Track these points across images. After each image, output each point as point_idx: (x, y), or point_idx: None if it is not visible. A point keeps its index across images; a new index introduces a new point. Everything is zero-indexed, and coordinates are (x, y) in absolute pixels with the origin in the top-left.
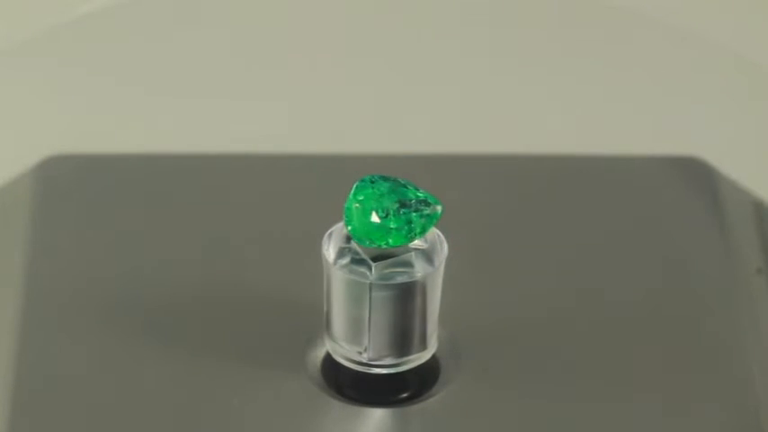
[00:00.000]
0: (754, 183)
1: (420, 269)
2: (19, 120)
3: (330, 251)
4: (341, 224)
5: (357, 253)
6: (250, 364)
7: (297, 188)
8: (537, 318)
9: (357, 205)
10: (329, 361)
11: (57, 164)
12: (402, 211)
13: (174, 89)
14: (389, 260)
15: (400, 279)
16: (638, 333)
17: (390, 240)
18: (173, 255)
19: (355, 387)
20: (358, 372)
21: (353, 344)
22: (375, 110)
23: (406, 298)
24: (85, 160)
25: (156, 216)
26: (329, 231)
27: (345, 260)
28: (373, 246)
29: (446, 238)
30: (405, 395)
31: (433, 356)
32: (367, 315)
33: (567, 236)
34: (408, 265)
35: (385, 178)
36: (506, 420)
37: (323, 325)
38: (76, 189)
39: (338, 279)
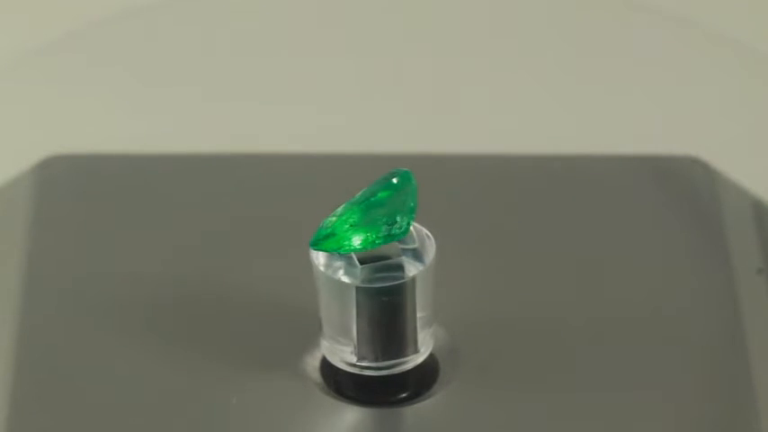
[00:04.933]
0: (754, 183)
1: (410, 269)
2: (19, 120)
3: (318, 255)
4: None
5: (345, 255)
6: (249, 364)
7: (298, 188)
8: (537, 317)
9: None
10: (328, 361)
11: (57, 164)
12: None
13: (174, 89)
14: (378, 263)
15: (389, 280)
16: (638, 333)
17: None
18: (172, 255)
19: (354, 387)
20: (355, 373)
21: (345, 346)
22: (375, 110)
23: (397, 299)
24: (85, 160)
25: (155, 216)
26: None
27: (333, 263)
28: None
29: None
30: (404, 395)
31: (432, 356)
32: (356, 318)
33: (567, 235)
34: (398, 266)
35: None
36: (506, 420)
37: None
38: (76, 189)
39: (326, 282)
